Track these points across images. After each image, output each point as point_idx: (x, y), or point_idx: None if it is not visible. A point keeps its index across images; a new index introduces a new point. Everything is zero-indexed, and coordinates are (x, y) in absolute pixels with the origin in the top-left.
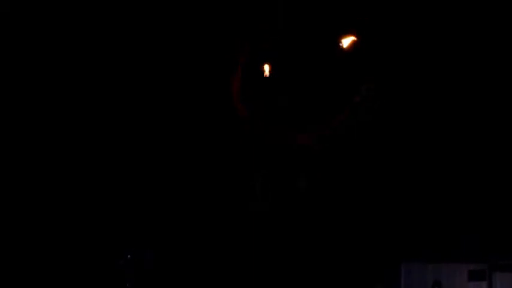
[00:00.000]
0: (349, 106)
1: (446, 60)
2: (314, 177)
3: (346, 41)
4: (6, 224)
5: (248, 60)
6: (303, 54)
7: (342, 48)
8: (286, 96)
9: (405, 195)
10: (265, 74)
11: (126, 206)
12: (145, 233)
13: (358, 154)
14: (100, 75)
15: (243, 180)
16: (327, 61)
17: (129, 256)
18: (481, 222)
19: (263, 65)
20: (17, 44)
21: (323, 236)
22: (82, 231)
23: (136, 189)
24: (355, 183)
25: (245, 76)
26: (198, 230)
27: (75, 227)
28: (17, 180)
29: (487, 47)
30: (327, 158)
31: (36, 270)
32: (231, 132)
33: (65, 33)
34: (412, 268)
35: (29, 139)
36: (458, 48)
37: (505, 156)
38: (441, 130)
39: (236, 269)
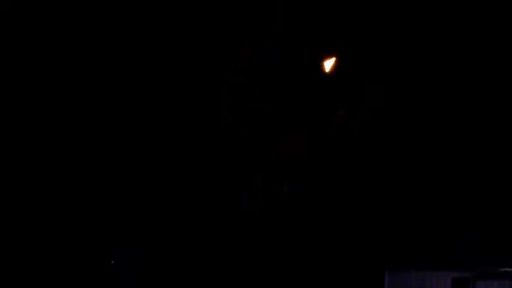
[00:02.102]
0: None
1: (443, 60)
2: (302, 182)
3: (328, 64)
4: None
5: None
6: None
7: (323, 71)
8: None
9: (390, 201)
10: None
11: (119, 206)
12: (138, 234)
13: (345, 158)
14: (98, 76)
15: (240, 181)
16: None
17: (112, 262)
18: (465, 230)
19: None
20: (17, 44)
21: (308, 241)
22: (72, 233)
23: (130, 189)
24: (340, 189)
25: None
26: (192, 231)
27: (65, 228)
28: (9, 179)
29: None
30: (315, 163)
31: (27, 270)
32: (228, 133)
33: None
34: (396, 276)
35: (23, 138)
36: (449, 48)
37: (491, 164)
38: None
39: (226, 272)
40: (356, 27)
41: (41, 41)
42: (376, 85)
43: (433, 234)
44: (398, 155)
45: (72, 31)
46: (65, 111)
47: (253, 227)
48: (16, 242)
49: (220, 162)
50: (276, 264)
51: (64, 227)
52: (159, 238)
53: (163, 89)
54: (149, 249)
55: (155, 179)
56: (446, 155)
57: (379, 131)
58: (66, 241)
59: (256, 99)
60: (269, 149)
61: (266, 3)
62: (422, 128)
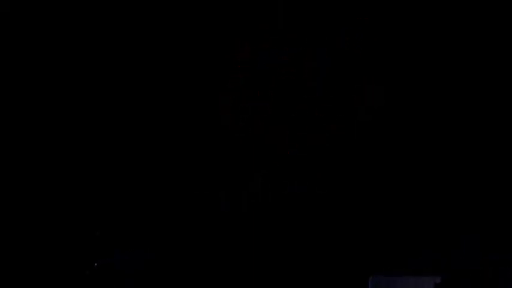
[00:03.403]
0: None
1: (444, 60)
2: (302, 182)
3: None
4: None
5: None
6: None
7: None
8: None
9: (373, 206)
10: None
11: (119, 206)
12: (138, 234)
13: (345, 158)
14: (97, 76)
15: (240, 181)
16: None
17: (96, 264)
18: (454, 234)
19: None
20: (17, 44)
21: (303, 241)
22: (72, 232)
23: (130, 189)
24: (340, 189)
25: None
26: (192, 231)
27: (64, 227)
28: (8, 178)
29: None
30: (315, 163)
31: (25, 269)
32: (228, 133)
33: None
34: (380, 281)
35: (23, 138)
36: (450, 48)
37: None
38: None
39: (226, 272)
40: (356, 27)
41: (41, 41)
42: (376, 85)
43: (419, 239)
44: (398, 155)
45: (72, 31)
46: (65, 111)
47: (252, 227)
48: (15, 241)
49: (220, 162)
50: (274, 264)
51: (63, 226)
52: (159, 238)
53: (162, 88)
54: (149, 249)
55: (155, 178)
56: (445, 155)
57: (379, 131)
58: (66, 240)
59: (256, 99)
60: (269, 149)
61: (266, 3)
62: (421, 128)
